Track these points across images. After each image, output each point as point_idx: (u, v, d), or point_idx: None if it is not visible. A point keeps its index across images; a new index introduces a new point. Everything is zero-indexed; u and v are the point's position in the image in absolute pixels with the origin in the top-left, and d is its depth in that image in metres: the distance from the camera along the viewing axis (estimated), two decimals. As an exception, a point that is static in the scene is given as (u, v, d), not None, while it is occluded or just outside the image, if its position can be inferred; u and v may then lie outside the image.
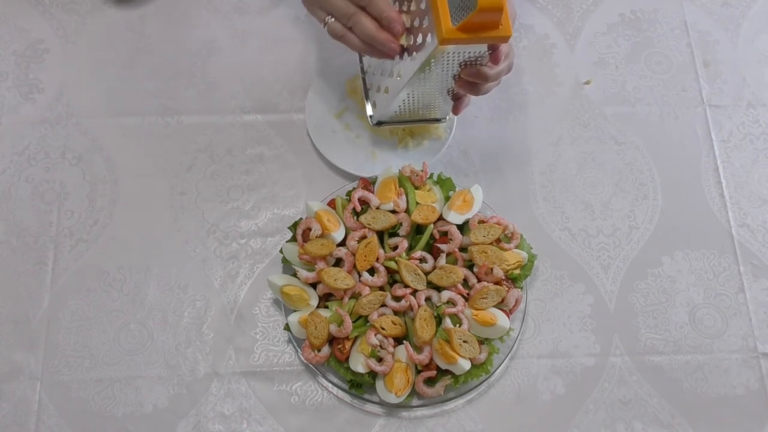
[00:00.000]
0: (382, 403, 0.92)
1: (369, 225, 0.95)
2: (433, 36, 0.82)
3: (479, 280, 0.93)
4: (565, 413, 0.94)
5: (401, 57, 0.87)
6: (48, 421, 0.92)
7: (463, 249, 0.95)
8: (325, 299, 0.95)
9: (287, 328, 0.93)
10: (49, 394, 0.93)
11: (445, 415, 0.94)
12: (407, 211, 0.97)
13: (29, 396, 0.93)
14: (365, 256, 0.93)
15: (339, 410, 0.94)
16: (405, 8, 0.88)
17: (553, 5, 1.18)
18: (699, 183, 1.07)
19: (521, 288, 0.95)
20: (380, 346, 0.90)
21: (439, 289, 0.94)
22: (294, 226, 0.97)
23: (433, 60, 0.84)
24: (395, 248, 0.96)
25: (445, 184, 1.00)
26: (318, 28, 1.12)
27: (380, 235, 0.97)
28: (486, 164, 1.07)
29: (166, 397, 0.93)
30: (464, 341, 0.89)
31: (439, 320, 0.92)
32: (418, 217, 0.96)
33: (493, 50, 0.84)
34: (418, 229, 0.98)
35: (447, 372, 0.91)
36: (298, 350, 0.94)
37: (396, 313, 0.92)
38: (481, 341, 0.91)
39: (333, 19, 0.88)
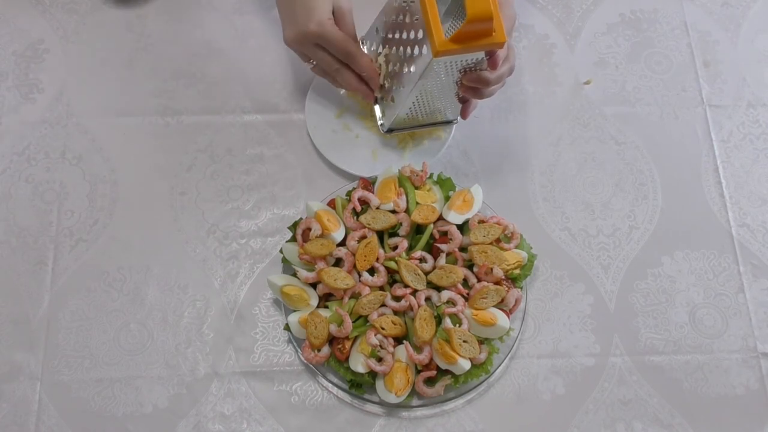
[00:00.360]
0: (382, 403, 0.92)
1: (369, 225, 0.95)
2: (427, 48, 0.83)
3: (479, 280, 0.93)
4: (565, 413, 0.94)
5: (384, 100, 0.98)
6: (48, 421, 0.92)
7: (463, 249, 0.95)
8: (325, 299, 0.95)
9: (287, 328, 0.93)
10: (49, 394, 0.93)
11: (445, 415, 0.94)
12: (407, 211, 0.97)
13: (29, 396, 0.93)
14: (365, 256, 0.93)
15: (339, 410, 0.94)
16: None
17: (553, 5, 1.18)
18: (699, 183, 1.07)
19: (521, 288, 0.95)
20: (380, 346, 0.90)
21: (439, 289, 0.94)
22: (294, 226, 0.97)
23: (430, 71, 0.85)
24: (395, 248, 0.96)
25: (445, 184, 1.00)
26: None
27: (380, 235, 0.97)
28: (486, 164, 1.07)
29: (166, 397, 0.93)
30: (464, 341, 0.89)
31: (439, 320, 0.92)
32: (418, 217, 0.96)
33: (491, 56, 0.85)
34: (418, 229, 0.98)
35: (447, 372, 0.91)
36: (298, 350, 0.94)
37: (396, 313, 0.92)
38: (481, 341, 0.91)
39: (316, 64, 0.97)
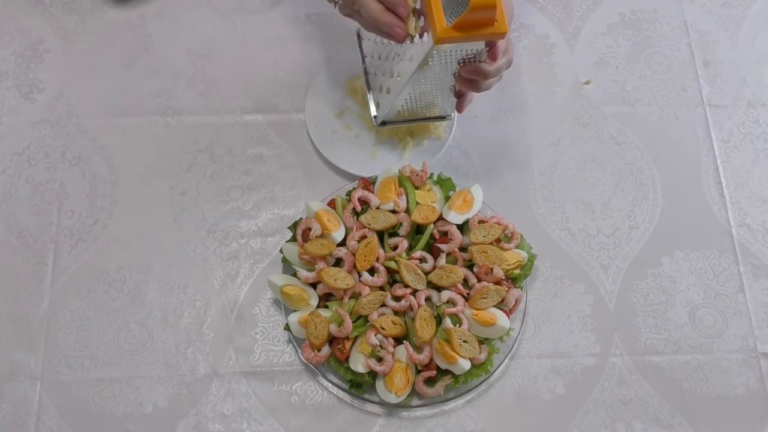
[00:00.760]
0: (382, 403, 0.92)
1: (369, 225, 0.95)
2: (428, 35, 0.82)
3: (479, 280, 0.93)
4: (565, 413, 0.94)
5: (411, 41, 0.87)
6: (48, 421, 0.92)
7: (463, 249, 0.95)
8: (325, 299, 0.95)
9: (287, 328, 0.93)
10: (49, 394, 0.93)
11: (445, 415, 0.94)
12: (407, 211, 0.97)
13: (29, 396, 0.93)
14: (365, 256, 0.93)
15: (339, 410, 0.94)
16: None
17: (553, 5, 1.18)
18: (699, 183, 1.07)
19: (521, 288, 0.95)
20: (380, 346, 0.90)
21: (439, 289, 0.94)
22: (294, 226, 0.97)
23: (430, 59, 0.84)
24: (395, 248, 0.96)
25: (445, 184, 1.00)
26: (318, 28, 1.13)
27: (380, 235, 0.97)
28: (486, 164, 1.07)
29: (166, 397, 0.93)
30: (464, 341, 0.89)
31: (439, 320, 0.92)
32: (418, 217, 0.96)
33: (491, 47, 0.84)
34: (418, 229, 0.98)
35: (447, 372, 0.91)
36: (298, 350, 0.94)
37: (396, 313, 0.92)
38: (481, 341, 0.91)
39: (342, 1, 0.89)
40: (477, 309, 0.92)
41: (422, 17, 0.85)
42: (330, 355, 0.91)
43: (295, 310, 0.94)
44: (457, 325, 0.91)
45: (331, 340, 0.92)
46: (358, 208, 0.97)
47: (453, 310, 0.91)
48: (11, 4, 1.14)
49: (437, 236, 0.96)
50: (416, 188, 0.99)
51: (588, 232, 1.03)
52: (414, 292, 0.93)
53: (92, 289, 0.98)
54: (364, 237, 0.95)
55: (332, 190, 1.01)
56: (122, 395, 0.93)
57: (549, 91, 1.12)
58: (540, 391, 0.95)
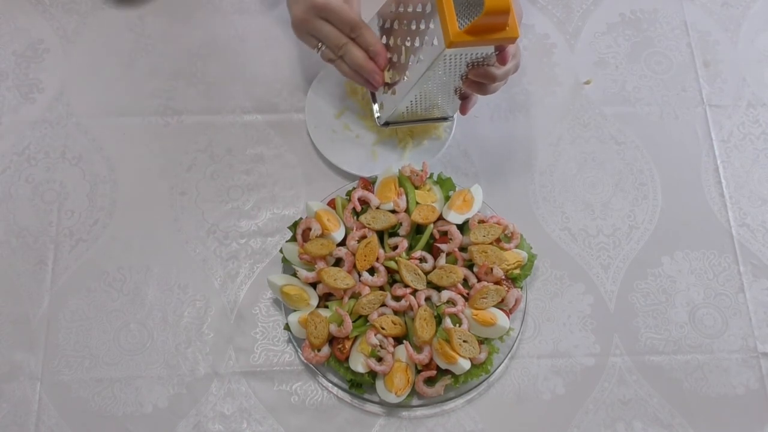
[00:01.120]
0: (382, 403, 0.92)
1: (369, 225, 0.95)
2: (440, 39, 0.82)
3: (479, 280, 0.93)
4: (565, 413, 0.94)
5: (385, 90, 0.95)
6: (48, 421, 0.92)
7: (463, 249, 0.95)
8: (325, 299, 0.95)
9: (287, 327, 0.93)
10: (49, 394, 0.93)
11: (445, 414, 0.94)
12: (407, 210, 0.97)
13: (29, 396, 0.93)
14: (365, 255, 0.93)
15: (339, 410, 0.94)
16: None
17: (554, 5, 1.18)
18: (699, 183, 1.07)
19: (521, 288, 0.95)
20: (380, 345, 0.90)
21: (439, 288, 0.94)
22: (294, 226, 0.97)
23: (440, 62, 0.85)
24: (395, 248, 0.96)
25: (445, 183, 1.00)
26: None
27: (380, 234, 0.97)
28: (486, 164, 1.07)
29: (166, 397, 0.93)
30: (464, 341, 0.89)
31: (439, 320, 0.92)
32: (418, 216, 0.96)
33: (501, 51, 0.85)
34: (418, 229, 0.98)
35: (447, 372, 0.91)
36: (298, 350, 0.94)
37: (396, 312, 0.92)
38: (481, 341, 0.91)
39: (325, 47, 0.94)
40: (477, 309, 0.92)
41: (431, 21, 0.85)
42: (330, 355, 0.91)
43: (295, 310, 0.94)
44: (457, 325, 0.91)
45: (331, 340, 0.92)
46: (358, 208, 0.97)
47: (453, 310, 0.91)
48: (11, 3, 1.14)
49: (437, 236, 0.96)
50: (416, 188, 0.99)
51: (588, 232, 1.03)
52: (414, 292, 0.93)
53: (92, 289, 0.98)
54: (364, 237, 0.95)
55: (332, 190, 1.01)
56: (122, 395, 0.93)
57: (549, 91, 1.12)
58: (540, 391, 0.95)
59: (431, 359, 0.90)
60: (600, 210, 1.05)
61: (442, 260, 0.95)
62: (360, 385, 0.92)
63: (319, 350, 0.91)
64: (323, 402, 0.94)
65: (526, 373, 0.96)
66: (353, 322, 0.91)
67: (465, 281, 0.94)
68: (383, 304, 0.92)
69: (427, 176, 1.00)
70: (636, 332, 0.98)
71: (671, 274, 1.01)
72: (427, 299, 0.93)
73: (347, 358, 0.91)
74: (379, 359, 0.90)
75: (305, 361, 0.92)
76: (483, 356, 0.90)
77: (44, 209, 1.02)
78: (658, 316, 0.99)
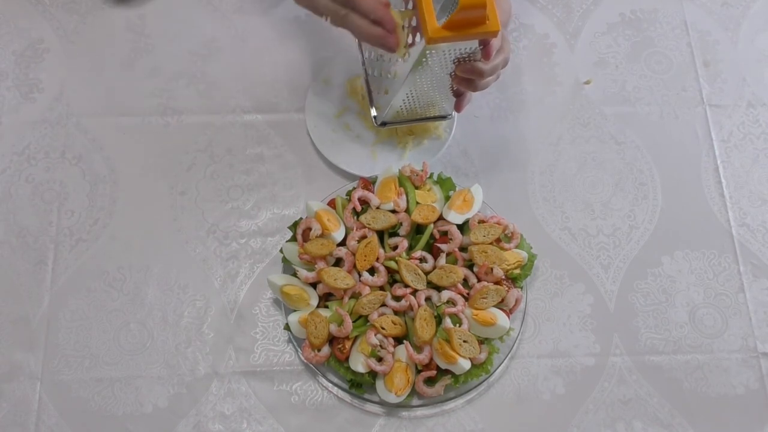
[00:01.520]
0: (382, 403, 0.92)
1: (369, 225, 0.95)
2: (421, 36, 0.82)
3: (479, 280, 0.93)
4: (565, 413, 0.94)
5: (405, 53, 0.88)
6: (48, 421, 0.92)
7: (463, 249, 0.95)
8: (325, 299, 0.95)
9: (287, 327, 0.93)
10: (49, 393, 0.93)
11: (445, 414, 0.94)
12: (407, 210, 0.97)
13: (29, 396, 0.93)
14: (365, 255, 0.93)
15: (339, 410, 0.94)
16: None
17: (553, 5, 1.18)
18: (699, 183, 1.07)
19: (521, 288, 0.95)
20: (380, 345, 0.90)
21: (439, 288, 0.94)
22: (294, 226, 0.97)
23: (424, 59, 0.85)
24: (395, 248, 0.96)
25: (445, 183, 1.00)
26: (319, 28, 1.13)
27: (380, 234, 0.97)
28: (486, 164, 1.07)
29: (166, 396, 0.93)
30: (464, 341, 0.89)
31: (439, 320, 0.92)
32: (418, 216, 0.96)
33: (485, 45, 0.85)
34: (418, 229, 0.98)
35: (447, 372, 0.91)
36: (298, 350, 0.94)
37: (396, 312, 0.92)
38: (481, 341, 0.91)
39: (329, 18, 0.89)
40: (477, 309, 0.92)
41: (410, 27, 0.85)
42: (330, 355, 0.91)
43: (295, 310, 0.94)
44: (457, 324, 0.91)
45: (331, 339, 0.92)
46: (358, 208, 0.97)
47: (453, 309, 0.91)
48: (11, 3, 1.14)
49: (437, 236, 0.96)
50: (416, 188, 0.99)
51: (588, 232, 1.03)
52: (414, 291, 0.93)
53: (92, 289, 0.98)
54: (364, 237, 0.95)
55: (332, 190, 1.01)
56: (122, 395, 0.93)
57: (549, 90, 1.12)
58: (540, 391, 0.95)
59: (431, 359, 0.90)
60: (600, 210, 1.05)
61: (442, 260, 0.95)
62: (360, 385, 0.92)
63: (319, 350, 0.91)
64: (323, 402, 0.94)
65: (526, 373, 0.96)
66: (353, 322, 0.91)
67: (465, 281, 0.94)
68: (383, 304, 0.92)
69: (427, 176, 1.00)
70: (636, 332, 0.98)
71: (671, 274, 1.01)
72: (427, 299, 0.93)
73: (347, 358, 0.91)
74: (379, 359, 0.90)
75: (305, 361, 0.92)
76: (483, 356, 0.90)
77: (44, 209, 1.02)
78: (658, 316, 0.99)
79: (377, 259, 0.94)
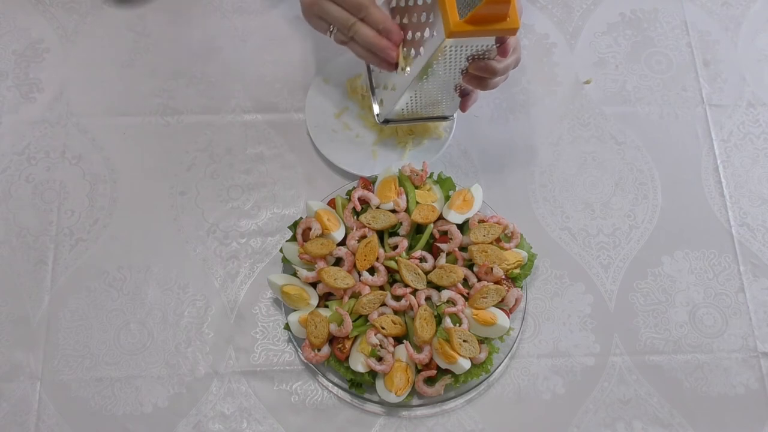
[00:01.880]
0: (382, 403, 0.92)
1: (369, 224, 0.95)
2: (439, 30, 0.81)
3: (479, 280, 0.93)
4: (565, 413, 0.94)
5: (401, 70, 0.89)
6: (48, 420, 0.92)
7: (463, 248, 0.95)
8: (325, 298, 0.95)
9: (287, 327, 0.93)
10: (49, 393, 0.93)
11: (445, 414, 0.94)
12: (407, 210, 0.97)
13: (29, 396, 0.93)
14: (365, 255, 0.93)
15: (339, 409, 0.94)
16: (405, 20, 0.90)
17: (554, 5, 1.18)
18: (699, 182, 1.07)
19: (521, 287, 0.95)
20: (380, 345, 0.90)
21: (439, 288, 0.94)
22: (294, 226, 0.97)
23: (440, 54, 0.84)
24: (395, 248, 0.95)
25: (445, 183, 1.00)
26: (318, 28, 1.13)
27: (380, 234, 0.97)
28: (486, 164, 1.07)
29: (166, 396, 0.93)
30: (464, 340, 0.89)
31: (439, 320, 0.92)
32: (418, 216, 0.96)
33: (501, 43, 0.84)
34: (418, 229, 0.98)
35: (447, 371, 0.91)
36: (298, 350, 0.94)
37: (396, 312, 0.92)
38: (481, 340, 0.91)
39: (336, 30, 0.91)
40: (477, 308, 0.92)
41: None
42: (330, 355, 0.91)
43: (295, 310, 0.94)
44: (457, 324, 0.91)
45: (331, 339, 0.92)
46: (358, 208, 0.97)
47: (453, 309, 0.91)
48: (11, 3, 1.14)
49: (437, 236, 0.96)
50: (416, 188, 0.99)
51: (588, 232, 1.03)
52: (414, 291, 0.93)
53: (92, 289, 0.98)
54: (364, 236, 0.95)
55: (332, 189, 1.01)
56: (122, 395, 0.93)
57: (549, 90, 1.12)
58: (540, 391, 0.95)
59: (431, 359, 0.90)
60: (600, 209, 1.05)
61: (442, 260, 0.95)
62: (360, 385, 0.92)
63: (319, 350, 0.91)
64: (323, 401, 0.94)
65: (526, 373, 0.96)
66: (353, 321, 0.91)
67: (465, 281, 0.94)
68: (383, 304, 0.92)
69: (427, 176, 1.00)
70: (636, 332, 0.98)
71: (671, 273, 1.01)
72: (427, 299, 0.93)
73: (347, 358, 0.91)
74: (379, 359, 0.90)
75: (305, 360, 0.92)
76: (483, 356, 0.90)
77: (44, 209, 1.02)
78: (658, 316, 0.99)
79: (377, 259, 0.94)
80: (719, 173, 1.07)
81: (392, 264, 0.94)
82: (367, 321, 0.92)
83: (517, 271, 0.95)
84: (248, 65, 1.12)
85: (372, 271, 0.94)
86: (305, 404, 0.94)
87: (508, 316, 0.92)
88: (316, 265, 0.93)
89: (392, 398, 0.89)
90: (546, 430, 0.94)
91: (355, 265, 0.94)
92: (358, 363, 0.90)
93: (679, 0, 1.19)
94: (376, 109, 0.99)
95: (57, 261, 0.99)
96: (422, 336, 0.89)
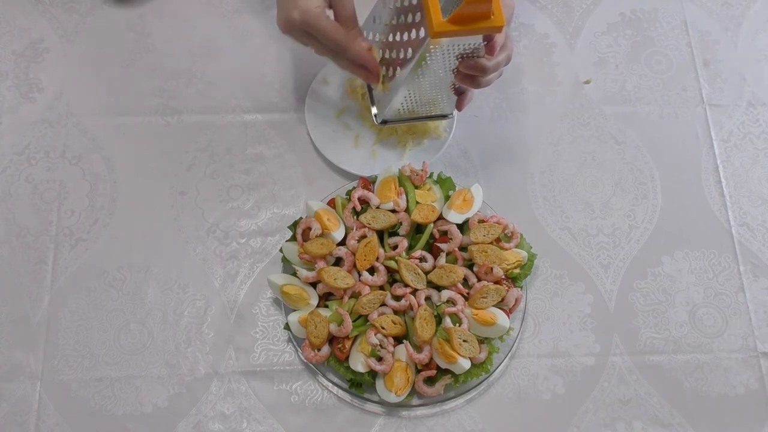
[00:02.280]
0: (382, 403, 0.92)
1: (369, 224, 0.95)
2: (425, 30, 0.82)
3: (479, 280, 0.93)
4: (565, 413, 0.94)
5: (382, 88, 0.93)
6: (48, 420, 0.92)
7: (463, 248, 0.95)
8: (325, 298, 0.95)
9: (287, 327, 0.93)
10: (49, 393, 0.93)
11: (445, 414, 0.94)
12: (407, 210, 0.97)
13: (29, 396, 0.93)
14: (365, 255, 0.93)
15: (339, 409, 0.94)
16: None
17: (553, 4, 1.18)
18: (699, 182, 1.07)
19: (521, 287, 0.95)
20: (380, 345, 0.90)
21: (439, 288, 0.94)
22: (294, 226, 0.97)
23: (428, 54, 0.84)
24: (395, 247, 0.95)
25: (444, 183, 1.00)
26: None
27: (380, 234, 0.97)
28: (486, 163, 1.07)
29: (166, 396, 0.93)
30: (464, 340, 0.89)
31: (439, 319, 0.92)
32: (418, 216, 0.96)
33: (488, 41, 0.84)
34: (418, 229, 0.98)
35: (447, 371, 0.91)
36: (298, 349, 0.94)
37: (396, 312, 0.92)
38: (481, 340, 0.91)
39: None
40: (477, 308, 0.92)
41: (417, 14, 0.85)
42: (330, 355, 0.91)
43: (295, 310, 0.94)
44: (457, 324, 0.91)
45: (331, 339, 0.92)
46: (358, 208, 0.97)
47: (453, 309, 0.91)
48: (11, 3, 1.14)
49: (437, 235, 0.96)
50: (416, 187, 0.99)
51: (588, 232, 1.03)
52: (414, 291, 0.93)
53: (92, 289, 0.98)
54: (364, 236, 0.95)
55: (332, 189, 1.01)
56: (122, 395, 0.93)
57: (549, 90, 1.12)
58: (540, 391, 0.95)
59: (431, 359, 0.90)
60: (600, 209, 1.05)
61: (442, 260, 0.95)
62: (360, 385, 0.92)
63: (319, 350, 0.91)
64: (323, 401, 0.94)
65: (526, 373, 0.96)
66: (353, 321, 0.91)
67: (465, 281, 0.94)
68: (383, 304, 0.92)
69: (427, 176, 1.00)
70: (636, 332, 0.98)
71: (671, 273, 1.01)
72: (427, 299, 0.93)
73: (347, 358, 0.91)
74: (379, 359, 0.90)
75: (305, 360, 0.92)
76: (483, 356, 0.90)
77: (44, 209, 1.02)
78: (658, 316, 0.99)
79: (377, 259, 0.94)
80: (719, 173, 1.07)
81: (392, 264, 0.94)
82: (367, 321, 0.92)
83: (517, 271, 0.95)
84: (248, 65, 1.12)
85: (372, 271, 0.94)
86: (305, 404, 0.94)
87: (508, 316, 0.93)
88: (316, 265, 0.93)
89: (392, 398, 0.89)
90: (546, 430, 0.94)
91: (355, 265, 0.94)
92: (358, 363, 0.90)
93: (679, 0, 1.19)
94: (374, 109, 0.99)
95: (57, 261, 0.99)
96: (422, 336, 0.89)
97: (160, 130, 1.07)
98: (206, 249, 1.01)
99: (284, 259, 0.98)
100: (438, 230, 0.96)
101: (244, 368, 0.95)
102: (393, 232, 0.97)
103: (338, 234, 0.95)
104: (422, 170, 0.99)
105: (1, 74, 1.10)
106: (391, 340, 0.91)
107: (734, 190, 1.06)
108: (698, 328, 0.98)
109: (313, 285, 0.95)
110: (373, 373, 0.90)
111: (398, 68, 0.91)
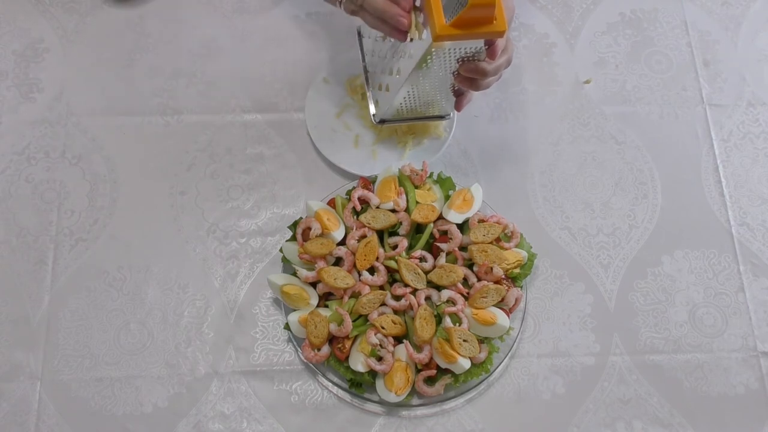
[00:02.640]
0: (382, 402, 0.92)
1: (369, 224, 0.95)
2: (428, 33, 0.82)
3: (479, 279, 0.93)
4: (565, 412, 0.94)
5: (412, 40, 0.87)
6: (48, 420, 0.92)
7: (462, 248, 0.95)
8: (325, 298, 0.95)
9: (287, 327, 0.93)
10: (49, 393, 0.93)
11: (445, 414, 0.94)
12: (407, 210, 0.97)
13: (29, 396, 0.93)
14: (365, 255, 0.93)
15: (339, 409, 0.94)
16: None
17: (553, 4, 1.18)
18: (699, 182, 1.07)
19: (521, 287, 0.95)
20: (380, 345, 0.90)
21: (439, 288, 0.94)
22: (294, 226, 0.97)
23: (429, 56, 0.84)
24: (395, 247, 0.95)
25: (444, 183, 1.00)
26: (319, 27, 1.13)
27: (380, 234, 0.97)
28: (486, 163, 1.07)
29: (166, 396, 0.93)
30: (464, 340, 0.89)
31: (439, 319, 0.92)
32: (418, 216, 0.96)
33: (490, 45, 0.84)
34: (418, 228, 0.98)
35: (447, 371, 0.91)
36: (298, 349, 0.94)
37: (396, 312, 0.92)
38: (481, 340, 0.91)
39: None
40: (477, 308, 0.92)
41: (423, 14, 0.85)
42: (330, 355, 0.91)
43: (295, 310, 0.94)
44: (457, 324, 0.91)
45: (331, 339, 0.92)
46: (358, 208, 0.97)
47: (453, 309, 0.91)
48: (11, 3, 1.14)
49: (437, 235, 0.96)
50: (416, 187, 0.99)
51: (588, 232, 1.03)
52: (414, 291, 0.93)
53: (92, 289, 0.98)
54: (364, 236, 0.95)
55: (332, 189, 1.01)
56: (122, 395, 0.93)
57: (549, 90, 1.12)
58: (540, 391, 0.95)
59: (431, 358, 0.90)
60: (600, 209, 1.05)
61: (442, 259, 0.95)
62: (360, 385, 0.92)
63: (319, 350, 0.91)
64: (323, 401, 0.94)
65: (526, 373, 0.96)
66: (353, 321, 0.91)
67: (465, 280, 0.94)
68: (383, 304, 0.92)
69: (427, 175, 1.00)
70: (636, 331, 0.98)
71: (671, 273, 1.01)
72: (427, 298, 0.93)
73: (347, 358, 0.91)
74: (379, 358, 0.90)
75: (305, 360, 0.92)
76: (483, 355, 0.90)
77: (44, 209, 1.02)
78: (658, 316, 0.99)
79: (377, 259, 0.94)
80: (719, 173, 1.07)
81: (392, 264, 0.94)
82: (367, 321, 0.92)
83: (517, 270, 0.95)
84: (248, 65, 1.12)
85: (372, 270, 0.94)
86: (305, 404, 0.94)
87: (508, 316, 0.93)
88: (316, 265, 0.93)
89: (392, 398, 0.89)
90: (546, 430, 0.94)
91: (355, 265, 0.94)
92: (358, 363, 0.90)
93: (679, 0, 1.19)
94: (372, 109, 1.00)
95: (57, 261, 0.99)
96: (422, 336, 0.89)
97: (160, 130, 1.07)
98: (206, 249, 1.01)
99: (284, 259, 0.98)
100: (438, 230, 0.96)
101: (244, 368, 0.95)
102: (393, 231, 0.97)
103: (338, 234, 0.95)
104: (422, 170, 0.99)
105: (1, 74, 1.10)
106: (391, 339, 0.91)
107: (734, 189, 1.06)
108: (698, 327, 0.98)
109: (313, 285, 0.95)
110: (373, 373, 0.90)
111: (399, 68, 0.91)
